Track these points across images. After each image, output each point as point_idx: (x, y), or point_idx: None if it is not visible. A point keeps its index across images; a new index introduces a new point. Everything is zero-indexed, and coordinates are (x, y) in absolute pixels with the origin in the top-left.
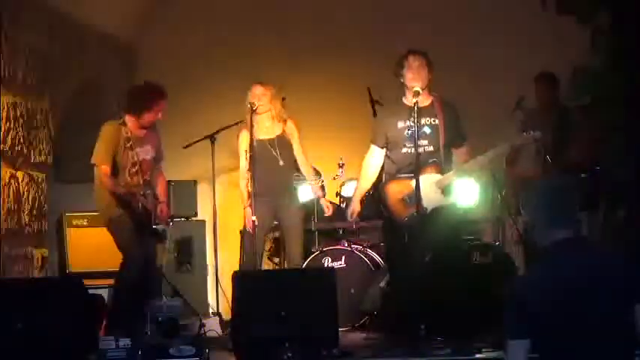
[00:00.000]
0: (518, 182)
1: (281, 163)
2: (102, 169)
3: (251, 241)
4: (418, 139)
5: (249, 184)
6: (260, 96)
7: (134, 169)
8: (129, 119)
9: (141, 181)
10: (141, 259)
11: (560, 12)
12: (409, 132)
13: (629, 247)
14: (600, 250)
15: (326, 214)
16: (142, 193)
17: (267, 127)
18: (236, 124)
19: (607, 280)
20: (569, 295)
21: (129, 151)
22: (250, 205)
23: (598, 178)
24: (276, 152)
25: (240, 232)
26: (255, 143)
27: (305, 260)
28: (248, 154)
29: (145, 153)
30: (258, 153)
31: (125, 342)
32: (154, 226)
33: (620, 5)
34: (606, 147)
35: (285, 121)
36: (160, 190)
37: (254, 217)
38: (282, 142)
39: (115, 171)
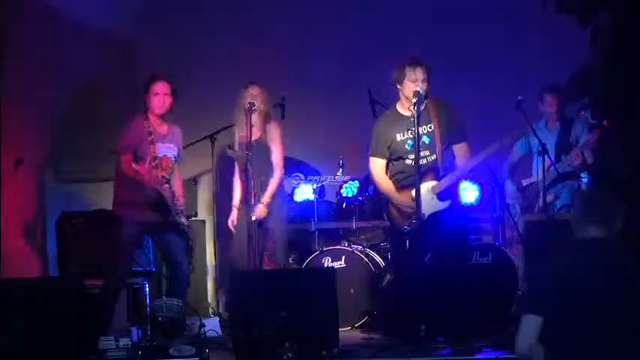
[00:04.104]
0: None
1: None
2: (123, 158)
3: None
4: (419, 151)
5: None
6: (256, 96)
7: (154, 164)
8: (149, 114)
9: (159, 177)
10: (129, 266)
11: (560, 11)
12: (410, 144)
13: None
14: (626, 254)
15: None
16: (161, 184)
17: (252, 128)
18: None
19: (624, 282)
20: (584, 293)
21: (150, 145)
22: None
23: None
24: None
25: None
26: (239, 144)
27: (305, 260)
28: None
29: (167, 150)
30: (240, 154)
31: (125, 342)
32: (176, 220)
33: (620, 5)
34: (606, 147)
35: (267, 123)
36: (177, 188)
37: (255, 217)
38: (260, 146)
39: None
